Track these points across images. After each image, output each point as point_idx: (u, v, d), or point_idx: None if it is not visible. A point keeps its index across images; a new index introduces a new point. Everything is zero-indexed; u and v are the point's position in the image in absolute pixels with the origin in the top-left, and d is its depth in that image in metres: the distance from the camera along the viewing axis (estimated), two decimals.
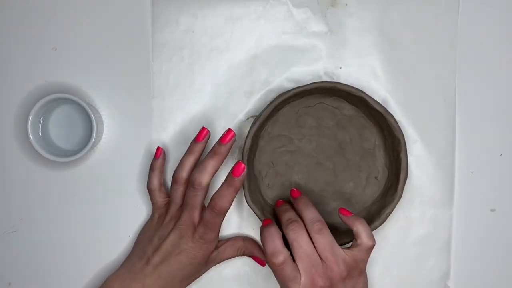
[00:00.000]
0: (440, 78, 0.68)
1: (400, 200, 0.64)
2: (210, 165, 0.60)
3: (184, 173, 0.63)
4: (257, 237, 0.68)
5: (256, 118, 0.65)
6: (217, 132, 0.68)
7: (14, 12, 0.68)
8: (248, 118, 0.69)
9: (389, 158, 0.67)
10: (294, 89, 0.64)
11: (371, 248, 0.59)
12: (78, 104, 0.64)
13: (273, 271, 0.58)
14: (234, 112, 0.69)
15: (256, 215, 0.64)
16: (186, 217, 0.61)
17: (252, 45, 0.69)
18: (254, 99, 0.69)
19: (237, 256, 0.67)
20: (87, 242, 0.69)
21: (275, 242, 0.58)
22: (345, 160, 0.68)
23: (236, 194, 0.60)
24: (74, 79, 0.68)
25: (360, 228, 0.59)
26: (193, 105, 0.68)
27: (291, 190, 0.65)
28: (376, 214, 0.65)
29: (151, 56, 0.68)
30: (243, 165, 0.59)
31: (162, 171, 0.66)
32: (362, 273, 0.60)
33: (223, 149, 0.60)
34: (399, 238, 0.68)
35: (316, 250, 0.58)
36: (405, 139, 0.64)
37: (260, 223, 0.65)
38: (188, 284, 0.64)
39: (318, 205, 0.66)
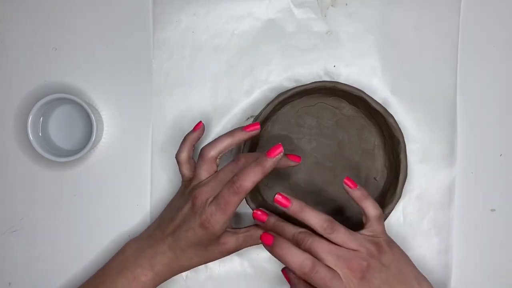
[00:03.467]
0: (441, 78, 0.68)
1: (399, 201, 0.64)
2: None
3: (214, 153, 0.60)
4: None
5: (256, 117, 0.64)
6: (216, 132, 0.68)
7: (14, 12, 0.68)
8: (248, 118, 0.68)
9: (388, 158, 0.67)
10: (294, 88, 0.64)
11: (379, 217, 0.59)
12: (78, 104, 0.64)
13: (309, 281, 0.56)
14: (234, 111, 0.69)
15: None
16: (204, 192, 0.59)
17: (252, 44, 0.69)
18: (254, 98, 0.69)
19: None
20: (87, 242, 0.69)
21: (294, 253, 0.56)
22: (345, 160, 0.68)
23: (262, 177, 0.57)
24: (74, 79, 0.69)
25: (365, 203, 0.59)
26: (193, 103, 0.69)
27: (276, 200, 0.57)
28: None
29: (152, 54, 0.68)
30: (281, 148, 0.56)
31: (194, 145, 0.63)
32: (391, 243, 0.59)
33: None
34: (398, 239, 0.68)
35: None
36: (405, 139, 0.64)
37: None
38: (202, 263, 0.61)
39: (317, 205, 0.66)
